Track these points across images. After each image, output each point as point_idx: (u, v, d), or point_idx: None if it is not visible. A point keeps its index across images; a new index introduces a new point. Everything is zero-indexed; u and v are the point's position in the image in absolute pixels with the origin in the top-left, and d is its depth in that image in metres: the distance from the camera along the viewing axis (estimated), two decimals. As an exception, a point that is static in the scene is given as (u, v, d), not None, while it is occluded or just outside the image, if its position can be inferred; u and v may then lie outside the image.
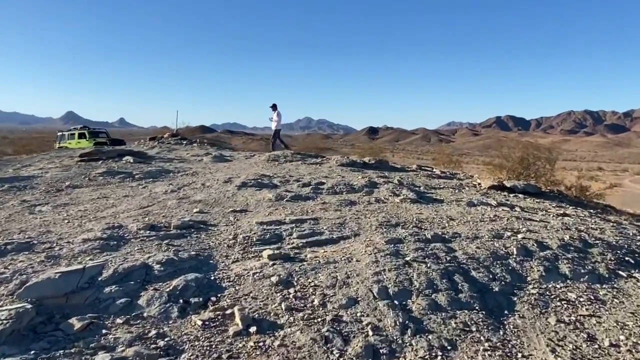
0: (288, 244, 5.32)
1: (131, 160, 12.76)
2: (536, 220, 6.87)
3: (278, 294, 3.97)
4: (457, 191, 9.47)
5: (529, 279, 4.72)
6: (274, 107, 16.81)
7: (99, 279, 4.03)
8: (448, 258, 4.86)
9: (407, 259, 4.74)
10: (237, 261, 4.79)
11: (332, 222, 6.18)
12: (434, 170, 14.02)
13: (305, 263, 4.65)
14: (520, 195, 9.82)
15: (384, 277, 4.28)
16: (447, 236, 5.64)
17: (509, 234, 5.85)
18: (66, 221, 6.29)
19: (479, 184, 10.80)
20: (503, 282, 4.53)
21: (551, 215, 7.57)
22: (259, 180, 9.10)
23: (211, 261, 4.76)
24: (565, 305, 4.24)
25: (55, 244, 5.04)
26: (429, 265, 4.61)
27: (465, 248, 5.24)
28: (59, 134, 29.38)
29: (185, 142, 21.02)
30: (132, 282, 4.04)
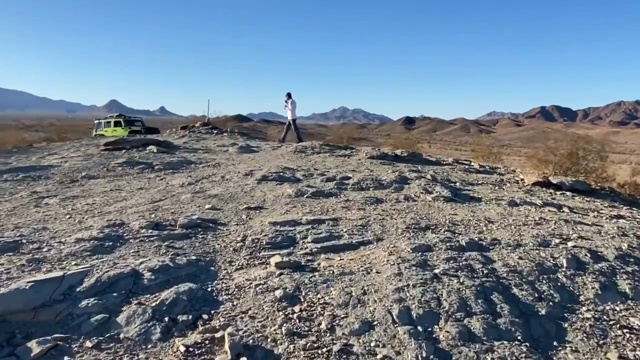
0: (301, 248, 4.72)
1: (154, 150, 12.45)
2: (588, 224, 6.02)
3: (280, 313, 3.38)
4: (497, 188, 8.63)
5: (582, 298, 3.94)
6: (289, 95, 17.23)
7: (78, 289, 3.53)
8: (485, 271, 4.13)
9: (436, 271, 4.06)
10: (241, 268, 4.23)
11: (354, 223, 5.53)
12: (472, 164, 13.07)
13: (317, 274, 4.03)
14: (568, 193, 8.88)
15: (407, 294, 3.62)
16: (484, 243, 4.90)
17: (557, 241, 5.05)
18: (68, 216, 5.88)
19: (522, 179, 9.90)
20: (551, 303, 3.78)
21: (604, 218, 6.68)
22: (281, 174, 8.53)
23: (212, 268, 4.22)
24: (628, 335, 3.46)
25: (45, 244, 4.60)
26: (461, 280, 3.91)
27: (506, 258, 4.48)
28: (95, 122, 29.75)
29: (215, 131, 20.74)
30: (115, 294, 3.52)
